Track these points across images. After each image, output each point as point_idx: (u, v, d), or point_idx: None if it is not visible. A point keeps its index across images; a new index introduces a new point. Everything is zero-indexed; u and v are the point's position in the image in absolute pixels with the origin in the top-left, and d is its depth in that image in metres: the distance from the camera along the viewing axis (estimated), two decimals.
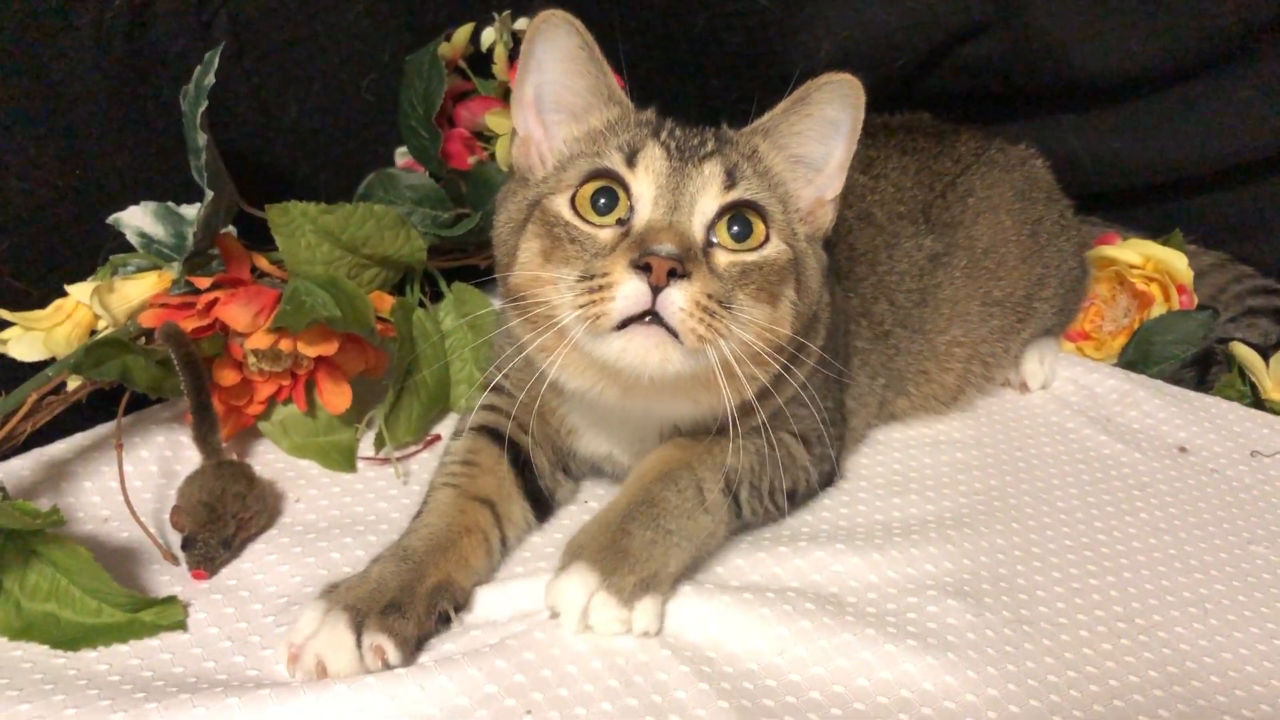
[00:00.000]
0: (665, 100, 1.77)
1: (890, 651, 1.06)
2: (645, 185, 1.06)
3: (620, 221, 1.06)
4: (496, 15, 1.61)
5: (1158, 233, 1.82)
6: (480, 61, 1.65)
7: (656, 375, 1.02)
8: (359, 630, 0.97)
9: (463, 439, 1.25)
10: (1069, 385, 1.64)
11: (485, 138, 1.61)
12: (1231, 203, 1.86)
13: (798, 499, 1.28)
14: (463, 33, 1.61)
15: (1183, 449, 1.49)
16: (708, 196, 1.07)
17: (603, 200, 1.07)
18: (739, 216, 1.08)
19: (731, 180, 1.08)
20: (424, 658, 1.02)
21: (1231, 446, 1.49)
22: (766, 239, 1.09)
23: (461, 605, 1.07)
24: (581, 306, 1.00)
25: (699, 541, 1.12)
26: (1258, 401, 1.59)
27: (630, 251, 1.00)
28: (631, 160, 1.07)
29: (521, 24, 1.62)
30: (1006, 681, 1.05)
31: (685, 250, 1.00)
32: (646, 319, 0.99)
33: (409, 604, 1.01)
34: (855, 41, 1.68)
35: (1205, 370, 1.66)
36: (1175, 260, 1.70)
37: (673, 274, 0.98)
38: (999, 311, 1.53)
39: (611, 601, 1.03)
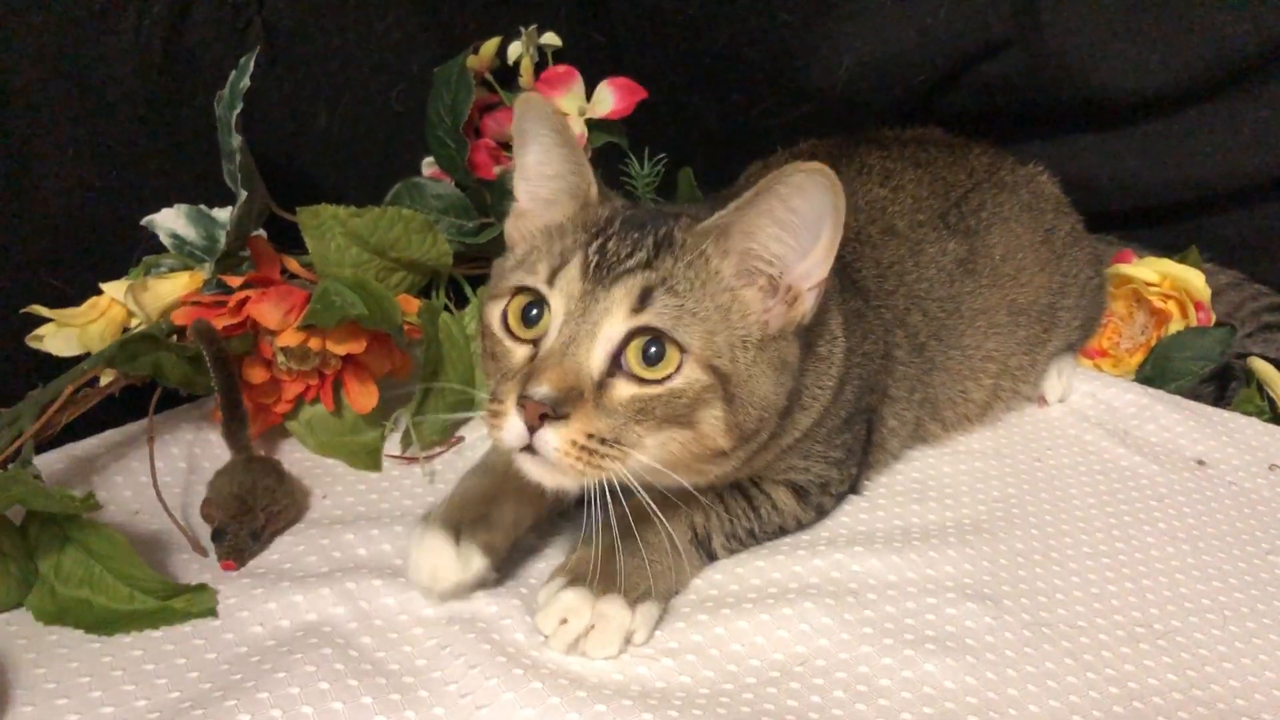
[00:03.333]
0: (687, 115, 1.82)
1: (910, 656, 1.07)
2: (559, 306, 1.03)
3: (536, 342, 1.04)
4: (523, 29, 1.64)
5: (1173, 251, 1.83)
6: (506, 75, 1.68)
7: (559, 492, 1.06)
8: (457, 538, 1.08)
9: None
10: (1087, 399, 1.64)
11: (510, 148, 1.63)
12: (1247, 222, 1.86)
13: (787, 533, 1.29)
14: (490, 46, 1.64)
15: (1201, 462, 1.49)
16: (613, 321, 1.01)
17: (534, 311, 1.06)
18: (655, 340, 1.02)
19: (644, 304, 1.02)
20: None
21: (1250, 460, 1.49)
22: (679, 368, 1.02)
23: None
24: (488, 421, 1.01)
25: (678, 576, 1.15)
26: (1276, 416, 1.59)
27: (519, 385, 0.98)
28: (553, 277, 1.05)
29: (548, 38, 1.65)
30: (1026, 682, 1.06)
31: (566, 391, 0.98)
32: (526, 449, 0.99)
33: (496, 517, 1.12)
34: (875, 58, 1.70)
35: (1224, 386, 1.67)
36: (1193, 277, 1.71)
37: (546, 416, 0.97)
38: (1025, 321, 1.54)
39: (620, 602, 1.05)
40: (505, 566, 1.17)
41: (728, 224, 1.06)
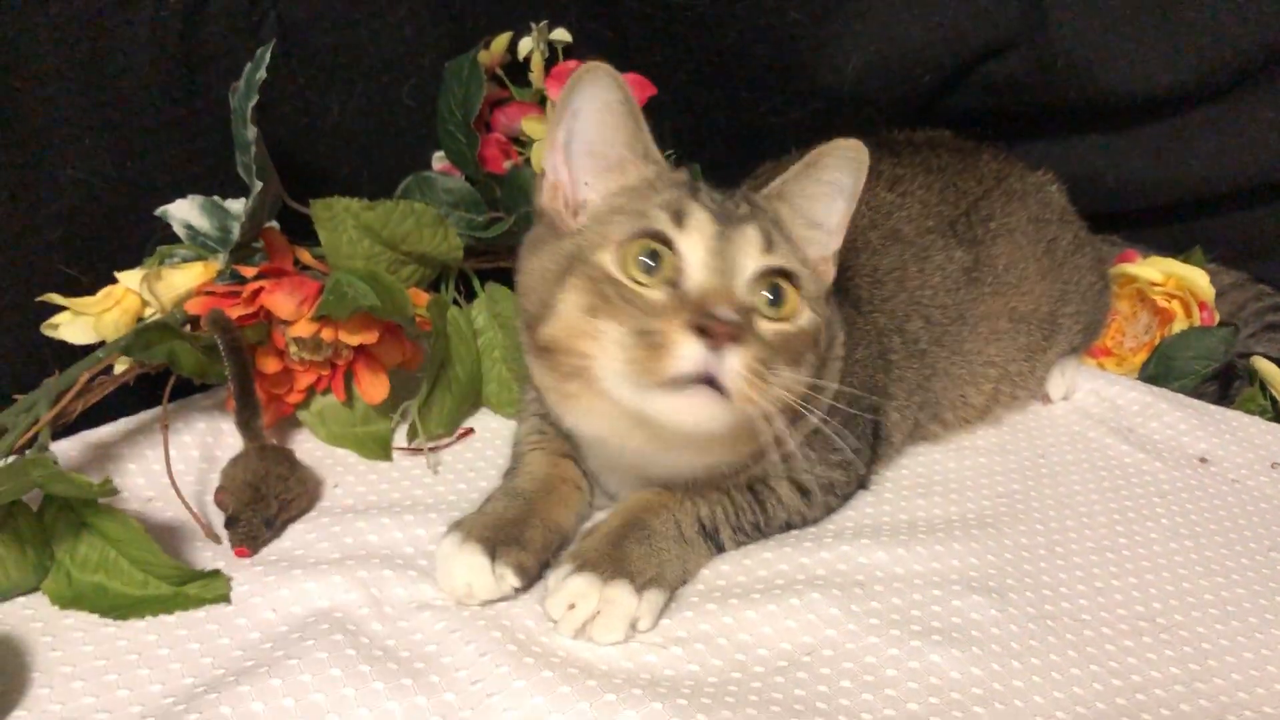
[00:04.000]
0: (695, 112, 1.83)
1: (916, 647, 1.08)
2: (693, 247, 1.06)
3: (670, 283, 1.06)
4: (534, 25, 1.65)
5: (1178, 251, 1.84)
6: (517, 70, 1.69)
7: (698, 432, 1.04)
8: (492, 557, 1.09)
9: (531, 421, 1.31)
10: (1091, 397, 1.66)
11: (521, 143, 1.65)
12: (1252, 222, 1.88)
13: (794, 529, 1.30)
14: (501, 41, 1.65)
15: (1203, 460, 1.51)
16: (749, 260, 1.07)
17: (649, 260, 1.07)
18: (773, 284, 1.08)
19: (769, 245, 1.08)
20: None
21: (1252, 458, 1.51)
22: (800, 308, 1.10)
23: (568, 542, 1.19)
24: (635, 361, 1.00)
25: (685, 564, 1.17)
26: (1278, 415, 1.60)
27: (687, 312, 1.00)
28: (679, 221, 1.07)
29: (559, 34, 1.66)
30: (1030, 673, 1.07)
31: (742, 315, 1.02)
32: (696, 379, 1.00)
33: (528, 538, 1.13)
34: (883, 56, 1.71)
35: (1227, 385, 1.68)
36: (1197, 277, 1.72)
37: (731, 339, 0.99)
38: (1025, 328, 1.55)
39: (627, 588, 1.06)
40: None
41: (788, 189, 1.18)
